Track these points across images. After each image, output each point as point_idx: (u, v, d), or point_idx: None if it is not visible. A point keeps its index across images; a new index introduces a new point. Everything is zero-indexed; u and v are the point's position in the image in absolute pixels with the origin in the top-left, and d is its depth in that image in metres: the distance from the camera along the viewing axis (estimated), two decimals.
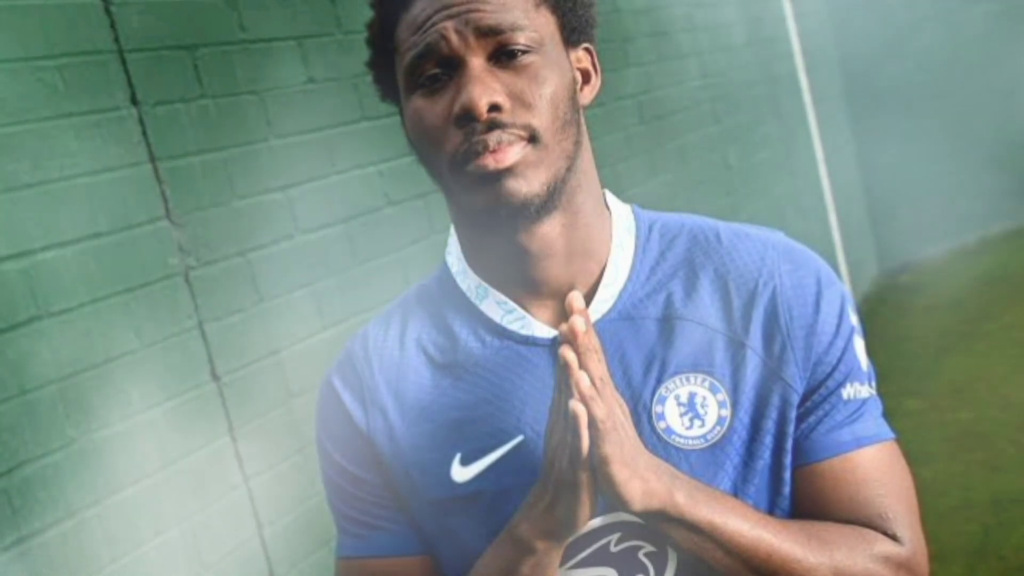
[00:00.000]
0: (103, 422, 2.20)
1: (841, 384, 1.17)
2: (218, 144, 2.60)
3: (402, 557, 1.22)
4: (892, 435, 1.20)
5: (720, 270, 1.19)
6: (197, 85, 2.57)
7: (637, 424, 1.12)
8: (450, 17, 1.10)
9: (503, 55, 1.11)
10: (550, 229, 1.15)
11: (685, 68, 5.35)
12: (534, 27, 1.12)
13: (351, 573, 1.24)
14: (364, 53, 1.21)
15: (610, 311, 1.18)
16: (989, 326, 6.02)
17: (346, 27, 3.05)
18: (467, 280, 1.22)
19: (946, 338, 6.02)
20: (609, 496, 1.06)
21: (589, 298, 1.18)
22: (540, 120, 1.11)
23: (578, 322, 1.05)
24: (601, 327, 1.16)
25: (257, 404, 2.58)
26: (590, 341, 1.05)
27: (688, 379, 1.15)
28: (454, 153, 1.11)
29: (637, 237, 1.22)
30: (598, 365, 1.06)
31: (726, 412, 1.15)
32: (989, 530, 3.89)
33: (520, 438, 1.15)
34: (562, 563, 1.14)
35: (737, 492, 1.15)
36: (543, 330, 1.18)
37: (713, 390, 1.15)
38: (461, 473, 1.17)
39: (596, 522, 1.14)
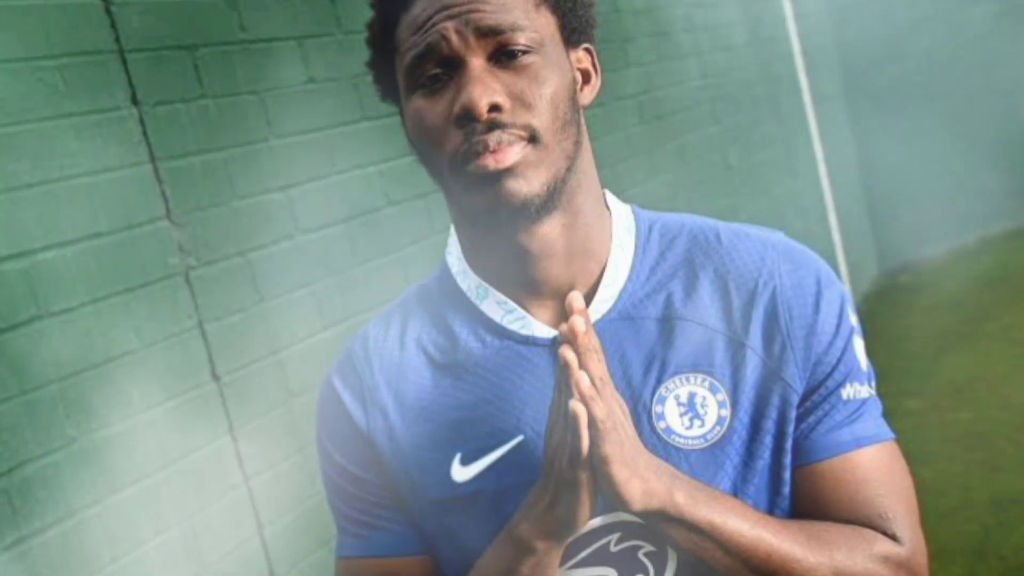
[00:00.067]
0: (103, 422, 2.20)
1: (841, 384, 1.17)
2: (218, 144, 2.60)
3: (402, 557, 1.22)
4: (892, 435, 1.20)
5: (720, 270, 1.19)
6: (197, 85, 2.57)
7: (637, 424, 1.12)
8: (450, 17, 1.10)
9: (503, 55, 1.11)
10: (550, 229, 1.15)
11: (685, 68, 5.35)
12: (534, 27, 1.12)
13: (351, 573, 1.25)
14: (364, 53, 1.21)
15: (610, 311, 1.18)
16: (989, 326, 6.02)
17: (346, 27, 3.05)
18: (467, 280, 1.22)
19: (946, 338, 6.01)
20: (609, 496, 1.06)
21: (589, 298, 1.18)
22: (540, 120, 1.11)
23: (578, 322, 1.05)
24: (601, 327, 1.16)
25: (257, 404, 2.58)
26: (590, 341, 1.05)
27: (688, 379, 1.15)
28: (454, 153, 1.11)
29: (637, 237, 1.22)
30: (598, 365, 1.06)
31: (726, 412, 1.15)
32: (989, 530, 3.89)
33: (520, 438, 1.15)
34: (562, 563, 1.14)
35: (737, 492, 1.15)
36: (543, 330, 1.18)
37: (713, 390, 1.15)
38: (461, 473, 1.17)
39: (596, 522, 1.14)
